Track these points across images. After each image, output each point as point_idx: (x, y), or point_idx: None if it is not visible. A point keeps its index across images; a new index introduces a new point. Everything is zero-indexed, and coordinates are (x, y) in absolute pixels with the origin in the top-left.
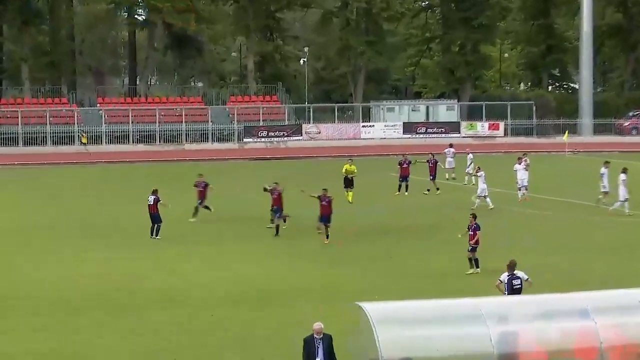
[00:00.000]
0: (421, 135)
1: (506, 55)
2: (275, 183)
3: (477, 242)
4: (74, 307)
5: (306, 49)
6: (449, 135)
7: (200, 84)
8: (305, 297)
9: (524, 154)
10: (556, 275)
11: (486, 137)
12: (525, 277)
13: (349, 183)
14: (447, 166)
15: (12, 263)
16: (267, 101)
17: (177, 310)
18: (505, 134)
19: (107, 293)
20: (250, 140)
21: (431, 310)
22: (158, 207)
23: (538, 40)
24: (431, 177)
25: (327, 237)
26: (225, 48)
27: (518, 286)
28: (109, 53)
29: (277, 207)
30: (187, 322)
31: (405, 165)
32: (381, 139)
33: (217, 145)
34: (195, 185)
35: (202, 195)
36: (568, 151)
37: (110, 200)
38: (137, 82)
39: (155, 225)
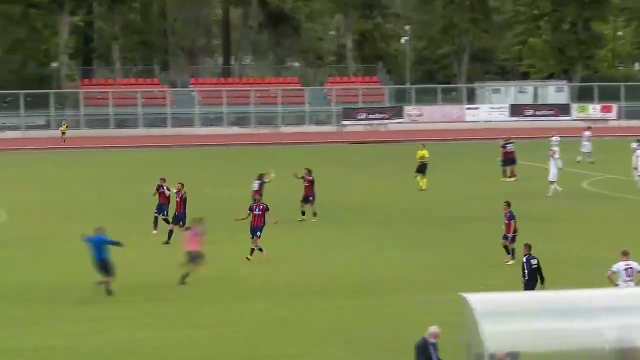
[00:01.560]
0: (528, 118)
1: (620, 33)
2: (307, 170)
3: (515, 231)
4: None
5: (407, 27)
6: (558, 118)
7: (296, 64)
8: (405, 287)
9: None
10: None
11: (598, 120)
12: (639, 267)
13: (422, 169)
14: (583, 150)
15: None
16: (366, 82)
17: (273, 298)
18: (619, 117)
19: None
20: (349, 123)
21: (539, 303)
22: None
23: None
24: (505, 163)
25: (315, 214)
26: (322, 26)
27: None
28: (202, 32)
29: (307, 196)
30: (271, 312)
31: (508, 149)
32: (486, 121)
33: (314, 128)
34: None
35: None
36: None
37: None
38: (231, 62)
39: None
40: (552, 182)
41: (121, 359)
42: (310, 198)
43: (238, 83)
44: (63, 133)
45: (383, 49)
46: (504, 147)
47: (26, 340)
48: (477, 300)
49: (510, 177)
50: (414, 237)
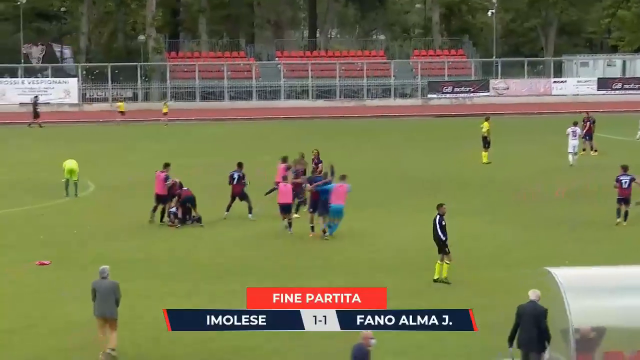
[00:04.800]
0: (617, 92)
1: None
2: (315, 151)
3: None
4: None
5: (494, 0)
6: None
7: (382, 37)
8: (492, 261)
9: None
10: None
11: None
12: None
13: (487, 143)
14: None
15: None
16: (452, 55)
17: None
18: None
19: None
20: (435, 96)
21: (626, 278)
22: None
23: None
24: (587, 137)
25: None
26: None
27: None
28: (288, 5)
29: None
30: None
31: (589, 123)
32: (574, 95)
33: (399, 102)
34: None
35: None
36: None
37: None
38: (317, 35)
39: None
40: (572, 154)
41: None
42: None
43: (324, 56)
44: (165, 114)
45: (469, 22)
46: (586, 121)
47: None
48: (563, 274)
49: (592, 151)
50: (495, 212)
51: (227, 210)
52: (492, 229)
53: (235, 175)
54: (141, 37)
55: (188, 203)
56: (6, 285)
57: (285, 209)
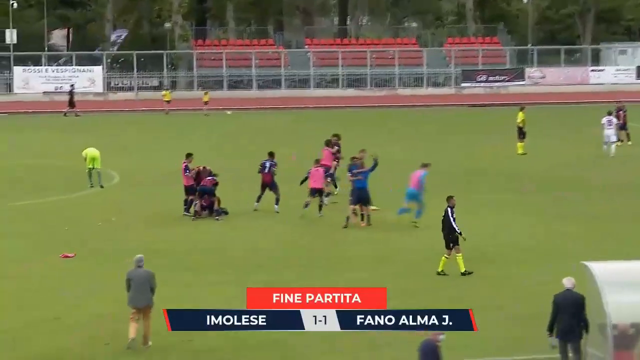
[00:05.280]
0: None
1: None
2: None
3: None
4: None
5: None
6: None
7: (414, 25)
8: (525, 255)
9: None
10: None
11: None
12: None
13: (522, 133)
14: None
15: None
16: (486, 43)
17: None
18: None
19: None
20: (468, 85)
21: None
22: None
23: None
24: (622, 127)
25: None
26: None
27: None
28: None
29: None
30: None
31: (621, 112)
32: (612, 84)
33: (432, 91)
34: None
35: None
36: None
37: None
38: (348, 23)
39: None
40: (608, 143)
41: None
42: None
43: (354, 44)
44: (206, 103)
45: (504, 9)
46: (618, 112)
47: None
48: (600, 268)
49: (623, 141)
50: (530, 205)
51: (258, 200)
52: (526, 221)
53: (267, 164)
54: (167, 25)
55: (205, 194)
56: (30, 278)
57: (317, 193)
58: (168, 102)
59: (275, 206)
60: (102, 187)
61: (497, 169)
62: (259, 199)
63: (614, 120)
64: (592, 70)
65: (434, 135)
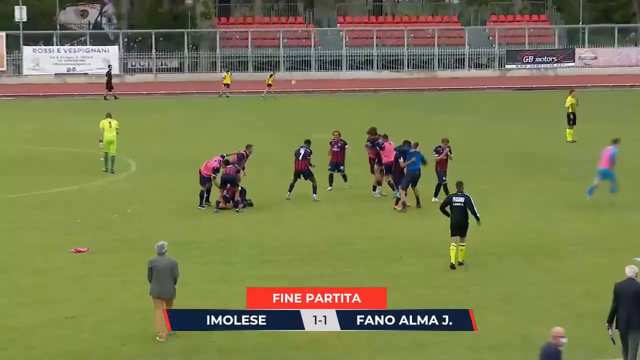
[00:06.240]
0: None
1: None
2: (337, 132)
3: None
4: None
5: None
6: None
7: (456, 1)
8: (577, 249)
9: None
10: None
11: None
12: None
13: (573, 119)
14: None
15: None
16: (534, 21)
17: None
18: None
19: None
20: (514, 66)
21: None
22: None
23: None
24: None
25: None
26: None
27: None
28: None
29: (336, 162)
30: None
31: None
32: None
33: (474, 72)
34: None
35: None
36: None
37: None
38: None
39: None
40: None
41: None
42: (342, 167)
43: (390, 22)
44: (227, 85)
45: None
46: None
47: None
48: None
49: None
50: (580, 196)
51: (290, 190)
52: (574, 214)
53: (302, 151)
54: (188, 1)
55: (228, 183)
56: (43, 273)
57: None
58: (227, 85)
59: (314, 195)
60: (112, 172)
61: (543, 156)
62: (291, 187)
63: None
64: None
65: (474, 120)
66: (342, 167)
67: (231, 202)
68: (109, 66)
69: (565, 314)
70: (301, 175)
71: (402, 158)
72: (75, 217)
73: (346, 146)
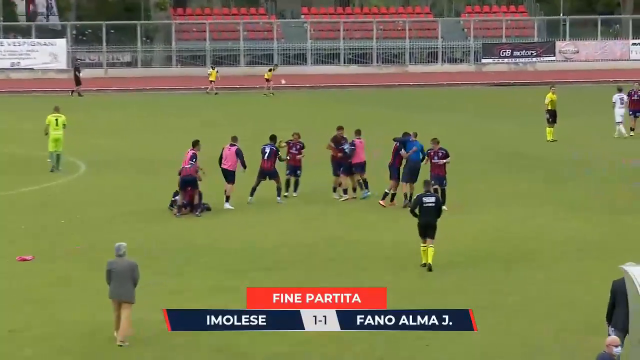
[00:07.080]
0: None
1: None
2: (296, 134)
3: None
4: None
5: None
6: None
7: None
8: (576, 253)
9: None
10: None
11: None
12: None
13: (553, 117)
14: None
15: None
16: (511, 12)
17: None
18: None
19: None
20: (490, 61)
21: None
22: None
23: None
24: (630, 112)
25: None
26: None
27: None
28: None
29: (294, 166)
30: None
31: (635, 97)
32: None
33: (447, 67)
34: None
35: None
36: None
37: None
38: None
39: None
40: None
41: None
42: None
43: (358, 13)
44: (212, 81)
45: None
46: (631, 94)
47: None
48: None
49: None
50: (560, 198)
51: (252, 194)
52: (557, 216)
53: (267, 150)
54: None
55: (189, 185)
56: None
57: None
58: (212, 82)
59: (278, 198)
60: (59, 170)
61: (522, 157)
62: (253, 191)
63: (625, 97)
64: (634, 44)
65: (448, 118)
66: (298, 172)
67: (188, 207)
68: (76, 61)
69: (566, 314)
70: (267, 177)
71: (402, 149)
72: (19, 222)
73: (303, 150)
